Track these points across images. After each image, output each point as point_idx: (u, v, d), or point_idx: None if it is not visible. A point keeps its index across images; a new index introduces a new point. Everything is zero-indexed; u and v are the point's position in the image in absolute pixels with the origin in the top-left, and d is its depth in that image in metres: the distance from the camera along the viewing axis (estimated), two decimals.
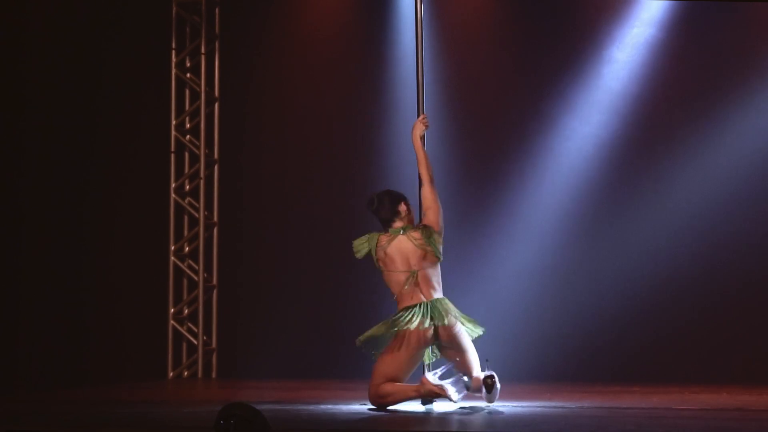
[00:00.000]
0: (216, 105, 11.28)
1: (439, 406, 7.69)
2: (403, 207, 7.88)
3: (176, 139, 11.22)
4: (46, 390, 9.34)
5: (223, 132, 11.27)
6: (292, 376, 10.46)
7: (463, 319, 7.75)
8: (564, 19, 10.72)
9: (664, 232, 10.44)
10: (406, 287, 7.72)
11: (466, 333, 7.75)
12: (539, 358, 10.24)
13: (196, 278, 11.14)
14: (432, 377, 7.60)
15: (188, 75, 11.26)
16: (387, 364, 7.64)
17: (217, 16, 11.27)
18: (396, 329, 7.64)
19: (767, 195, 10.30)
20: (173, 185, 11.18)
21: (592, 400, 8.45)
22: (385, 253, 7.78)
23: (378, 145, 10.85)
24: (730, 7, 10.38)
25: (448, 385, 7.56)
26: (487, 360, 7.69)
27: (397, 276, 7.77)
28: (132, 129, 11.11)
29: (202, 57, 11.23)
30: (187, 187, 11.24)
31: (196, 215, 11.18)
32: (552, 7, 10.71)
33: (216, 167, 11.25)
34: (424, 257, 7.75)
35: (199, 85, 11.22)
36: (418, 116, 8.15)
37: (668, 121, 10.55)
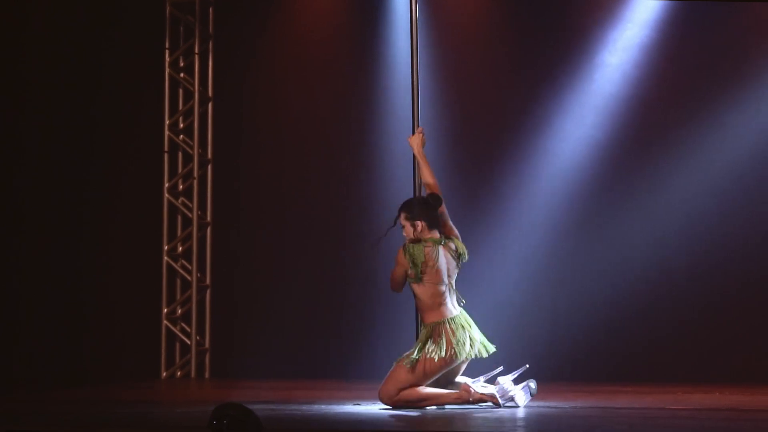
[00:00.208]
0: (209, 105, 11.27)
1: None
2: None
3: (170, 138, 11.21)
4: (45, 390, 9.32)
5: (217, 132, 11.27)
6: (285, 376, 10.47)
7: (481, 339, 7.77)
8: (558, 21, 10.72)
9: (658, 233, 10.45)
10: (441, 299, 7.69)
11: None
12: (534, 359, 10.21)
13: (189, 278, 11.13)
14: (477, 386, 7.63)
15: (182, 74, 11.25)
16: (416, 376, 7.57)
17: (210, 16, 11.26)
18: (459, 361, 7.63)
19: (762, 195, 10.32)
20: (166, 185, 11.17)
21: (586, 400, 8.45)
22: (433, 265, 7.72)
23: (372, 145, 10.85)
24: (724, 7, 10.39)
25: (505, 390, 7.61)
26: (527, 366, 7.77)
27: (434, 288, 7.69)
28: (128, 129, 11.10)
29: (196, 57, 11.22)
30: (181, 186, 11.24)
31: (190, 215, 11.17)
32: (546, 9, 10.71)
33: (209, 167, 11.25)
34: (455, 269, 7.78)
35: (193, 85, 11.21)
36: (414, 130, 8.11)
37: (663, 122, 10.55)
